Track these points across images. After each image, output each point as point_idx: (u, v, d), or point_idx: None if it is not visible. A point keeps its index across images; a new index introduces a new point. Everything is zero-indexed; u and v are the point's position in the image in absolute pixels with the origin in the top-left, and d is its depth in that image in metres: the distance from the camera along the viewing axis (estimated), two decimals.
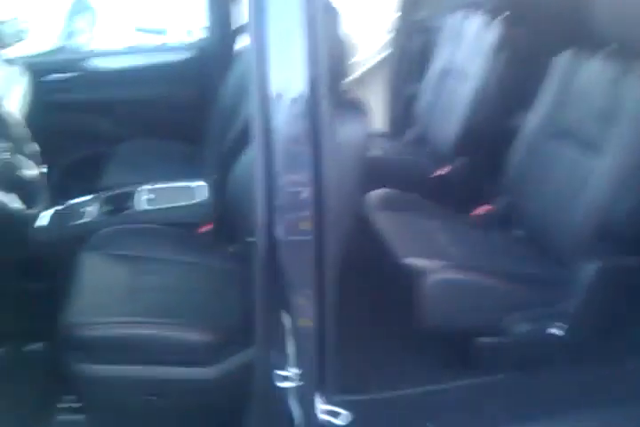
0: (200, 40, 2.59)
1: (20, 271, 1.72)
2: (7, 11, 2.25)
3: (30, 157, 1.67)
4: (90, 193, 1.93)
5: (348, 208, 1.13)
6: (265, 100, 0.82)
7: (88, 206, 1.81)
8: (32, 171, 1.49)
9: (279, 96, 0.82)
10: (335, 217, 0.88)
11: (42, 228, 1.72)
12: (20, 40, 2.29)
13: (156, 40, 2.71)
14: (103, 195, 1.87)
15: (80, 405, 1.36)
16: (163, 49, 2.65)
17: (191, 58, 2.51)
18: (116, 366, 1.24)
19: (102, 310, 1.33)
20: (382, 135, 2.69)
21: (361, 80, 2.98)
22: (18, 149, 1.53)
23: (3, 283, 1.61)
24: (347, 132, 1.04)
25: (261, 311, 0.95)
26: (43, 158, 1.68)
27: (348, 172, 1.06)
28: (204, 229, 1.77)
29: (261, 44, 0.81)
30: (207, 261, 1.60)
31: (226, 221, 1.70)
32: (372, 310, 1.69)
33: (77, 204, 1.85)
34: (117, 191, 1.89)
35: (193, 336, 1.26)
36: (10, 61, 2.24)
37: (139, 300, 1.37)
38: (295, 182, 0.85)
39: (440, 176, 2.21)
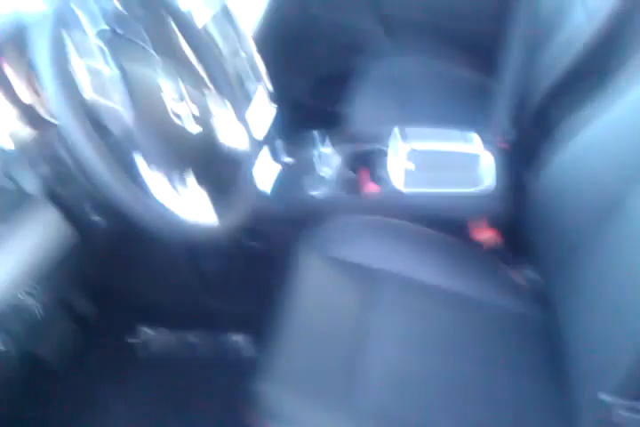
0: None
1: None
2: None
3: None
4: (328, 133, 1.53)
5: None
6: None
7: (325, 166, 1.40)
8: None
9: None
10: None
11: (263, 194, 1.37)
12: None
13: None
14: (346, 149, 1.44)
15: None
16: None
17: None
18: None
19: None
20: None
21: None
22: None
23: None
24: None
25: None
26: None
27: None
28: (480, 233, 1.26)
29: None
30: (493, 298, 1.12)
31: (523, 231, 1.17)
32: None
33: (312, 159, 1.45)
34: (364, 144, 1.43)
35: None
36: None
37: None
38: None
39: None
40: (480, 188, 1.26)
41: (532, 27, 1.54)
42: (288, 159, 1.47)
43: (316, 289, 1.13)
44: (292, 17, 1.87)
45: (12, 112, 0.94)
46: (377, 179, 1.34)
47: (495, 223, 1.26)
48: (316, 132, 1.54)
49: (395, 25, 1.97)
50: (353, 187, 1.35)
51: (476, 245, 1.25)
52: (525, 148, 1.39)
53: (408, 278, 1.13)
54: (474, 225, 1.26)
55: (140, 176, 0.85)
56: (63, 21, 0.83)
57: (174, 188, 0.87)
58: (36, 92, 0.97)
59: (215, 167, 0.97)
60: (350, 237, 1.21)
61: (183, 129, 0.89)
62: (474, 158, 1.32)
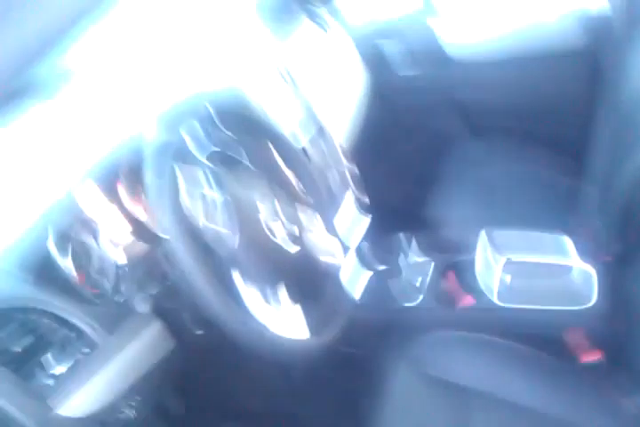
0: (597, 17, 1.84)
1: None
2: None
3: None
4: (416, 237, 1.53)
5: None
6: None
7: (414, 273, 1.40)
8: None
9: None
10: None
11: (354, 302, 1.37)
12: None
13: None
14: (435, 254, 1.44)
15: None
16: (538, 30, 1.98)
17: (582, 43, 1.77)
18: None
19: None
20: None
21: None
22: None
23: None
24: None
25: None
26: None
27: None
28: (581, 352, 1.20)
29: None
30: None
31: (624, 350, 1.12)
32: None
33: (400, 265, 1.46)
34: (453, 249, 1.43)
35: None
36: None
37: None
38: None
39: None
40: (580, 304, 1.22)
41: (621, 125, 1.51)
42: (377, 265, 1.48)
43: (406, 404, 1.11)
44: (378, 122, 1.94)
45: (125, 227, 1.03)
46: (469, 289, 1.32)
47: (598, 341, 1.21)
48: (403, 236, 1.56)
49: (480, 128, 2.00)
50: (444, 296, 1.34)
51: (577, 365, 1.19)
52: (628, 259, 1.34)
53: (503, 400, 1.09)
54: (573, 342, 1.21)
55: (238, 292, 0.89)
56: (174, 148, 0.90)
57: (269, 302, 0.91)
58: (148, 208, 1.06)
59: (308, 281, 1.01)
60: (443, 353, 1.19)
61: (278, 246, 0.94)
62: (573, 271, 1.28)
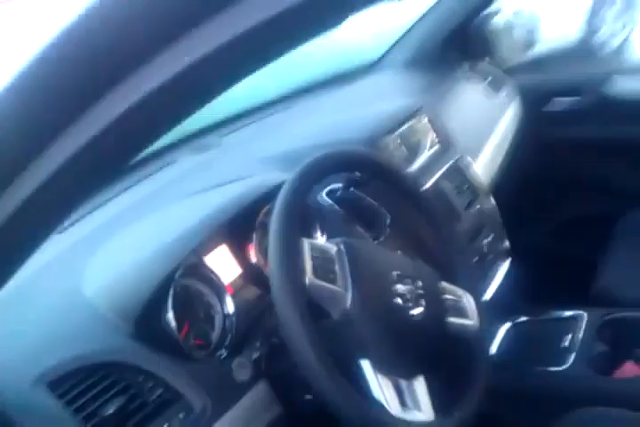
0: None
1: None
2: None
3: None
4: (574, 289, 1.32)
5: None
6: None
7: (569, 337, 1.20)
8: None
9: None
10: None
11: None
12: (529, 46, 1.77)
13: None
14: (596, 313, 1.23)
15: None
16: None
17: None
18: None
19: None
20: None
21: None
22: None
23: None
24: None
25: None
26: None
27: None
28: None
29: None
30: None
31: None
32: None
33: (552, 323, 1.26)
34: (619, 310, 1.21)
35: None
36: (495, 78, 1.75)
37: None
38: None
39: None
40: None
41: None
42: (517, 317, 1.30)
43: None
44: (533, 160, 1.74)
45: (235, 270, 0.95)
46: (631, 354, 1.11)
47: None
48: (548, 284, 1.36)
49: None
50: (598, 361, 1.14)
51: None
52: None
53: None
54: None
55: (350, 362, 0.77)
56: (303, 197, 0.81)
57: (386, 376, 0.77)
58: (263, 253, 0.97)
59: (435, 349, 0.86)
60: None
61: (398, 306, 0.80)
62: None
